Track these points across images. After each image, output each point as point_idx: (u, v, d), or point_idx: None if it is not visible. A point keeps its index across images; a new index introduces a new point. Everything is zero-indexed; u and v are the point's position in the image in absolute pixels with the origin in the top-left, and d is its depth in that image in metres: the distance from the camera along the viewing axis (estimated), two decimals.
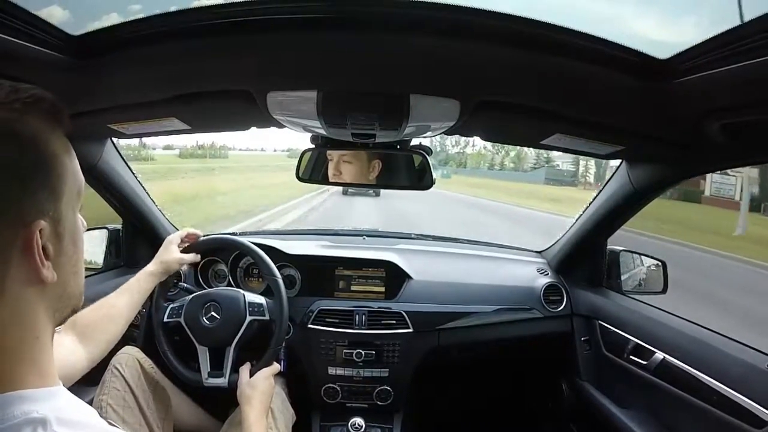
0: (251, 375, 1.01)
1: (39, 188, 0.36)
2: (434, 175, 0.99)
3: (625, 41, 0.56)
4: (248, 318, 1.06)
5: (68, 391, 0.39)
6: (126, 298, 0.93)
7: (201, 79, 0.71)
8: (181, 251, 1.08)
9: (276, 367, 1.06)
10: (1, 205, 0.34)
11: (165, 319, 1.08)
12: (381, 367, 1.25)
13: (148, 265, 1.03)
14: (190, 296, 1.11)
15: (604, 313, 1.26)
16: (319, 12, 0.55)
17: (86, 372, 0.80)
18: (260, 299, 1.11)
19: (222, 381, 1.05)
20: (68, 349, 0.76)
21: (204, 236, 1.16)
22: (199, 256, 1.12)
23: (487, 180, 32.20)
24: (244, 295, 1.09)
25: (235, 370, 1.06)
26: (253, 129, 0.99)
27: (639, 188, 1.03)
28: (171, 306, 1.10)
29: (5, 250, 0.35)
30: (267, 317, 1.09)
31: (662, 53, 0.57)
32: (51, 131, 0.38)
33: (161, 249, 1.07)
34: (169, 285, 1.12)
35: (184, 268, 1.17)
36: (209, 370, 1.06)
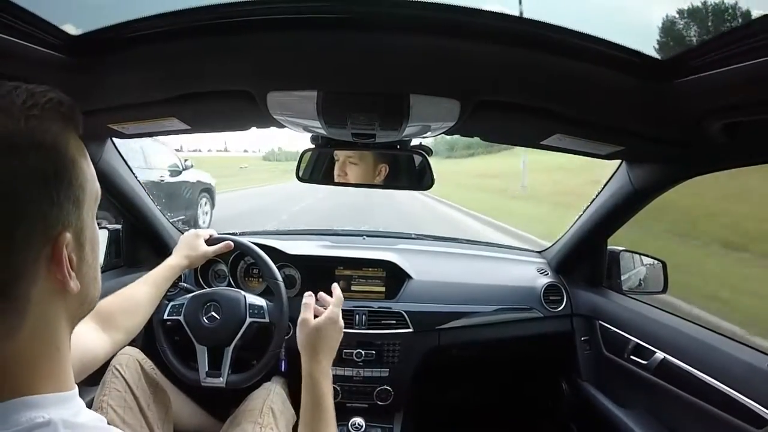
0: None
1: (64, 199, 0.35)
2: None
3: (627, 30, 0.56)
4: (248, 320, 1.07)
5: (80, 398, 0.38)
6: (148, 289, 0.92)
7: (201, 79, 0.71)
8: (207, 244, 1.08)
9: (339, 297, 0.87)
10: (30, 220, 0.33)
11: (165, 317, 1.08)
12: (381, 367, 1.25)
13: (172, 258, 1.01)
14: (191, 294, 1.11)
15: (604, 312, 1.26)
16: (319, 12, 0.55)
17: (110, 357, 0.79)
18: (261, 301, 1.11)
19: (220, 381, 1.05)
20: (91, 335, 0.75)
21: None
22: (231, 244, 1.11)
23: None
24: (245, 297, 1.10)
25: (233, 371, 1.06)
26: (252, 129, 0.99)
27: (639, 188, 1.03)
28: (171, 304, 1.10)
29: (33, 265, 0.34)
30: (267, 320, 1.09)
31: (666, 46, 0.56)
32: (69, 136, 0.37)
33: (183, 244, 1.06)
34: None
35: None
36: (207, 369, 1.06)
